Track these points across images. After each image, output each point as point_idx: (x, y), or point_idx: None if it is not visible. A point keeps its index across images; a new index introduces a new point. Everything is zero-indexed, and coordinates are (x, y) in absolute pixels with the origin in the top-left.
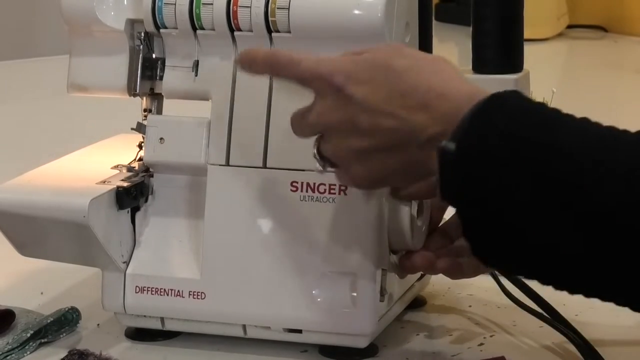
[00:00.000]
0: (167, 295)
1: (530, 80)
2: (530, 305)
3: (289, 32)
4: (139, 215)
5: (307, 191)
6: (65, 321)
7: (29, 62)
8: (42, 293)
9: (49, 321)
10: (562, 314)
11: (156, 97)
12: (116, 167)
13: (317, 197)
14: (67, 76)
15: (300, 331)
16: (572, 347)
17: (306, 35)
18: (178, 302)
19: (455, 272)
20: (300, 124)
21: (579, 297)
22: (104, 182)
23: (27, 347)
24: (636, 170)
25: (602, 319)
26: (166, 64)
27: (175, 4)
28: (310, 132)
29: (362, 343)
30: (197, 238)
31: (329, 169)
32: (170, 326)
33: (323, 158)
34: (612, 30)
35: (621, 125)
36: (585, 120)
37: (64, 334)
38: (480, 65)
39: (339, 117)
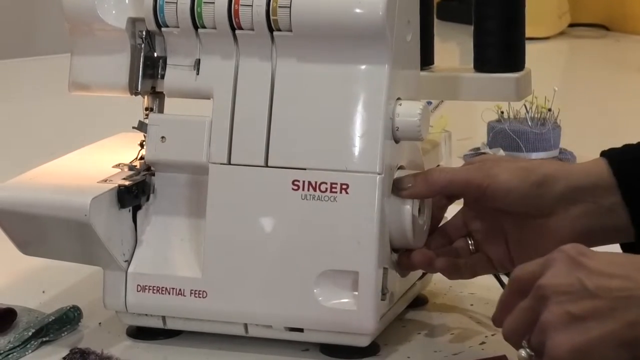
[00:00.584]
0: (169, 294)
1: (531, 79)
2: None
3: (290, 30)
4: (140, 214)
5: (308, 190)
6: (66, 320)
7: (30, 60)
8: (43, 292)
9: (50, 320)
10: None
11: (157, 96)
12: (117, 165)
13: (318, 195)
14: (68, 75)
15: (301, 330)
16: None
17: (307, 34)
18: (179, 301)
19: (453, 273)
20: (512, 283)
21: None
22: (106, 180)
23: (28, 345)
24: None
25: None
26: (167, 62)
27: (176, 3)
28: (523, 295)
29: (364, 342)
30: (198, 237)
31: None
32: (171, 325)
33: (531, 347)
34: (614, 29)
35: (622, 124)
36: None
37: (66, 333)
38: (482, 64)
39: (563, 280)
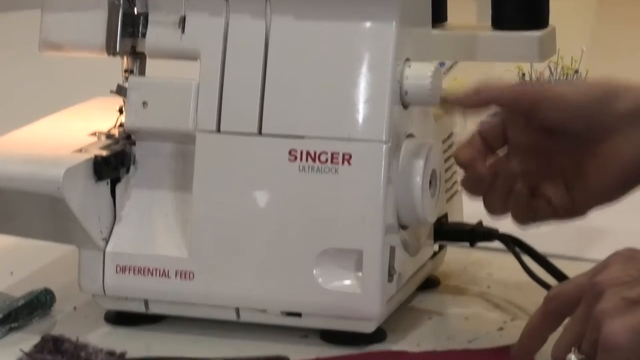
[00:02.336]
0: (152, 275)
1: (556, 38)
2: None
3: None
4: (119, 187)
5: (306, 160)
6: (37, 304)
7: None
8: (11, 273)
9: (19, 304)
10: None
11: (138, 57)
12: (94, 134)
13: (317, 167)
14: (39, 33)
15: (299, 315)
16: None
17: None
18: (163, 283)
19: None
20: (568, 282)
21: None
22: (81, 150)
23: None
24: None
25: None
26: (149, 19)
27: None
28: (578, 293)
29: (369, 328)
30: (184, 212)
31: None
32: (154, 309)
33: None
34: None
35: None
36: None
37: (37, 318)
38: (500, 20)
39: (620, 273)
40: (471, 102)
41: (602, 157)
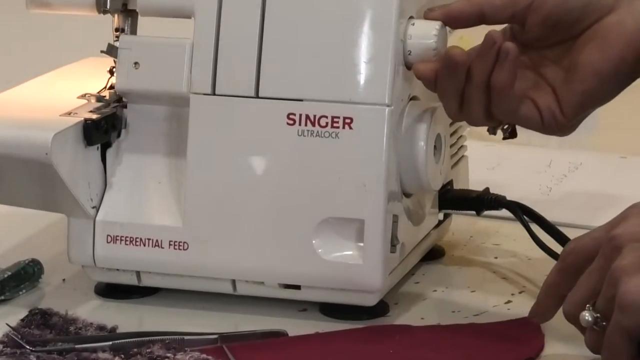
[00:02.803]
0: (144, 245)
1: None
2: None
3: None
4: (110, 153)
5: (306, 124)
6: (25, 276)
7: None
8: None
9: (5, 276)
10: None
11: (130, 15)
12: (83, 96)
13: (317, 131)
14: None
15: (298, 287)
16: None
17: None
18: (156, 254)
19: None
20: (585, 236)
21: None
22: (70, 113)
23: None
24: None
25: None
26: None
27: None
28: (595, 247)
29: (371, 301)
30: (178, 179)
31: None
32: (147, 281)
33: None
34: None
35: None
36: None
37: (24, 291)
38: None
39: (638, 228)
40: (459, 7)
41: (599, 37)
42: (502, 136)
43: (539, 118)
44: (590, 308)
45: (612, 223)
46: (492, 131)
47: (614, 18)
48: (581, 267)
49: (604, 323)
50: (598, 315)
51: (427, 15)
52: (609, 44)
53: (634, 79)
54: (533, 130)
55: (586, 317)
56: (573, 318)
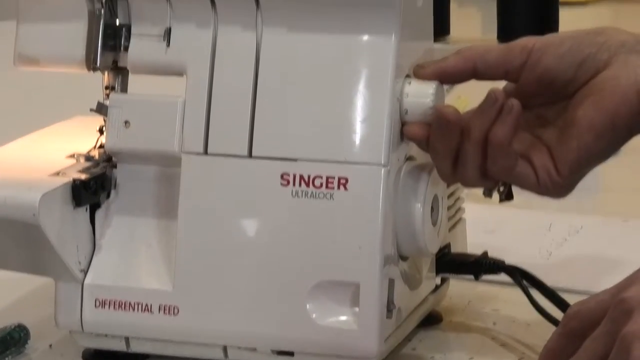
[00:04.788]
0: (133, 310)
1: None
2: None
3: None
4: (99, 214)
5: (300, 185)
6: (11, 341)
7: None
8: None
9: None
10: None
11: (120, 72)
12: (72, 155)
13: (312, 192)
14: (14, 46)
15: (291, 354)
16: None
17: None
18: (146, 319)
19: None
20: (590, 299)
21: None
22: (58, 173)
23: None
24: None
25: None
26: (132, 31)
27: None
28: (602, 311)
29: None
30: (168, 241)
31: None
32: (136, 347)
33: None
34: None
35: None
36: None
37: (10, 357)
38: (508, 33)
39: None
40: (452, 63)
41: (594, 93)
42: (498, 199)
43: (534, 177)
44: None
45: (620, 286)
46: (487, 193)
47: (608, 73)
48: (585, 331)
49: None
50: None
51: (418, 72)
52: (603, 98)
53: (630, 136)
54: (529, 190)
55: None
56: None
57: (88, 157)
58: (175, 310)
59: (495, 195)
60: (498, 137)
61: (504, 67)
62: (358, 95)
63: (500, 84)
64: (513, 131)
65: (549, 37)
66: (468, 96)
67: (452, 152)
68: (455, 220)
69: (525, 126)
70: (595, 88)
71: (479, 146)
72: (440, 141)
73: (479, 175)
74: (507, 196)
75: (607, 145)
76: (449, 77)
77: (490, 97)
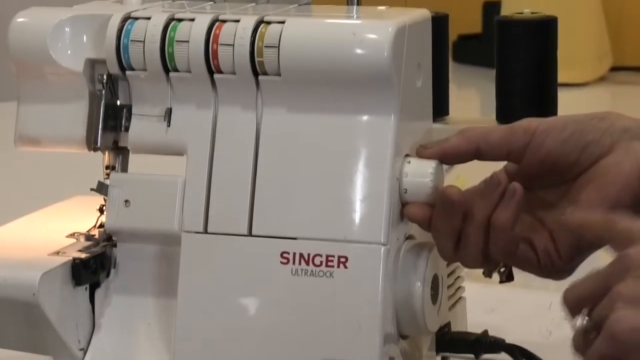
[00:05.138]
0: None
1: None
2: None
3: (279, 74)
4: (99, 293)
5: (300, 263)
6: None
7: None
8: None
9: None
10: None
11: (121, 152)
12: (72, 235)
13: (312, 270)
14: (14, 127)
15: None
16: None
17: (299, 79)
18: None
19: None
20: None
21: None
22: (58, 253)
23: None
24: None
25: None
26: (133, 112)
27: (144, 42)
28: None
29: None
30: (168, 321)
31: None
32: None
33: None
34: None
35: None
36: None
37: None
38: (506, 114)
39: None
40: (455, 144)
41: (597, 178)
42: (498, 279)
43: (535, 260)
44: (586, 317)
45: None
46: (487, 274)
47: (611, 159)
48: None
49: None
50: (590, 324)
51: (421, 153)
52: (606, 185)
53: None
54: (529, 272)
55: (578, 322)
56: (569, 306)
57: (88, 237)
58: None
59: (495, 275)
60: (501, 220)
61: (506, 149)
62: (357, 175)
63: (501, 164)
64: (516, 215)
65: (551, 120)
66: (467, 176)
67: (454, 233)
68: (456, 299)
69: (526, 208)
70: (597, 173)
71: (482, 229)
72: (443, 222)
73: (480, 257)
74: (507, 277)
75: None
76: (451, 158)
77: (494, 180)
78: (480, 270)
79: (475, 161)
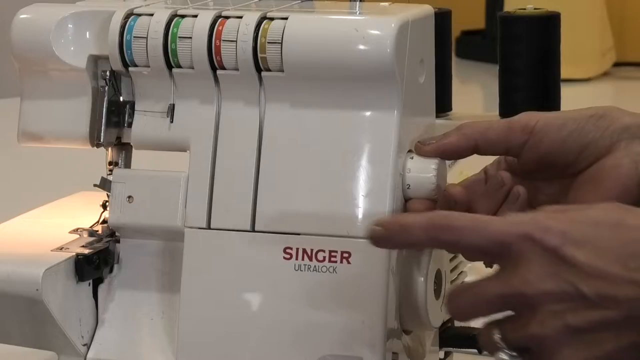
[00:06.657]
0: None
1: None
2: None
3: (282, 70)
4: (102, 288)
5: (303, 259)
6: None
7: None
8: None
9: None
10: None
11: (124, 148)
12: (75, 230)
13: (315, 265)
14: (17, 123)
15: None
16: None
17: (302, 75)
18: None
19: None
20: (476, 300)
21: None
22: (61, 248)
23: None
24: None
25: None
26: (136, 108)
27: (146, 38)
28: (497, 309)
29: None
30: (171, 315)
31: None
32: None
33: (510, 345)
34: None
35: None
36: None
37: None
38: (509, 109)
39: (553, 286)
40: (454, 140)
41: (595, 180)
42: None
43: None
44: (504, 346)
45: (571, 219)
46: (489, 264)
47: (610, 161)
48: None
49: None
50: (515, 354)
51: (420, 150)
52: (604, 188)
53: None
54: None
55: (504, 357)
56: (456, 315)
57: (91, 232)
58: None
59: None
60: None
61: (505, 145)
62: (360, 170)
63: None
64: None
65: (550, 117)
66: (470, 172)
67: None
68: None
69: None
70: (596, 175)
71: None
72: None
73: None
74: None
75: None
76: (450, 155)
77: (497, 180)
78: (484, 268)
79: (479, 157)
